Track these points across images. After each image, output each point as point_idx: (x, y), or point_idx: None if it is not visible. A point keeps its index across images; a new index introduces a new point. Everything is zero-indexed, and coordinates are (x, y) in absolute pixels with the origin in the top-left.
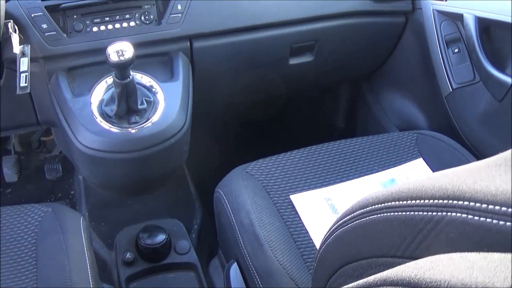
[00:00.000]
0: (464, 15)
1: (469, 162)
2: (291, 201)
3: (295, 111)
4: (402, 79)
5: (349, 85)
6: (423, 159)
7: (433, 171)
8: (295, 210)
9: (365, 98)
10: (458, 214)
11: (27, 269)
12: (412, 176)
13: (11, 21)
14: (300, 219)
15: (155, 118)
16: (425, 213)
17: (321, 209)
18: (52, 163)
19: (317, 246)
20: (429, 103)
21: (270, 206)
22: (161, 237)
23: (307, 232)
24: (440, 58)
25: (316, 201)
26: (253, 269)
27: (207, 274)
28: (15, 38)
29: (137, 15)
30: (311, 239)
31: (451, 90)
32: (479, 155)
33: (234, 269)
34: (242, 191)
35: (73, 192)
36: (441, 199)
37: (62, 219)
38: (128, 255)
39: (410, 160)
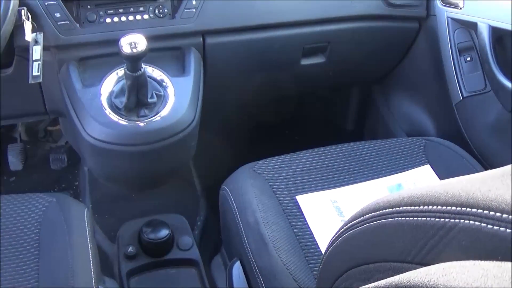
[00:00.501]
0: (478, 24)
1: (477, 171)
2: (297, 202)
3: (304, 112)
4: (412, 84)
5: (359, 88)
6: (431, 166)
7: (440, 179)
8: (301, 211)
9: (375, 101)
10: (472, 222)
11: (29, 258)
12: (419, 183)
13: (25, 8)
14: (305, 220)
15: (165, 112)
16: (437, 219)
17: (326, 211)
18: (58, 153)
19: (322, 248)
20: (439, 110)
21: (276, 205)
22: (164, 232)
23: (312, 234)
24: (452, 66)
25: (322, 202)
26: (256, 268)
27: (209, 272)
28: (27, 25)
29: (151, 8)
30: (316, 241)
31: (461, 98)
32: (487, 165)
33: (237, 268)
34: (249, 190)
35: (77, 183)
36: (455, 206)
37: (67, 210)
38: (130, 249)
39: (417, 166)
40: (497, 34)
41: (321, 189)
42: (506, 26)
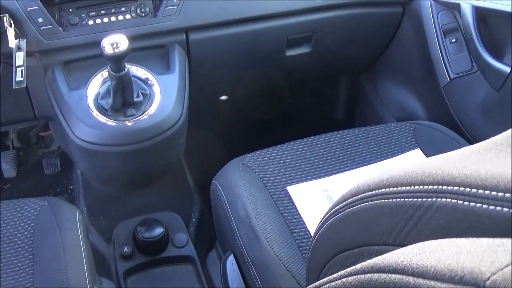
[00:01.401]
0: (462, 4)
1: None
2: (287, 193)
3: (294, 103)
4: (400, 69)
5: (347, 76)
6: (421, 150)
7: None
8: (292, 202)
9: (364, 89)
10: (448, 200)
11: (24, 263)
12: None
13: (7, 15)
14: (297, 210)
15: (151, 110)
16: (415, 199)
17: (318, 200)
18: (51, 158)
19: None
20: (427, 93)
21: (267, 197)
22: (158, 231)
23: (304, 223)
24: (437, 48)
25: (313, 192)
26: (249, 261)
27: (205, 267)
28: (10, 32)
29: (132, 7)
30: (308, 230)
31: (449, 80)
32: None
33: (231, 261)
34: (239, 183)
35: (71, 186)
36: (431, 185)
37: (58, 212)
38: (125, 248)
39: (407, 150)
40: (481, 13)
41: (311, 178)
42: (489, 5)
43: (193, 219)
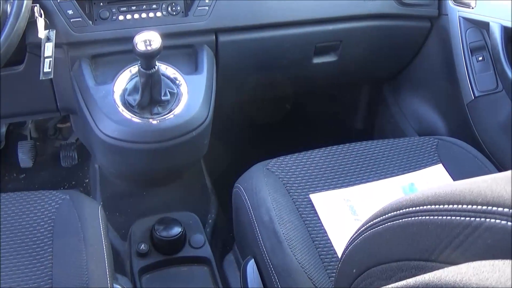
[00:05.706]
0: (490, 23)
1: (489, 170)
2: (310, 200)
3: (315, 109)
4: (424, 83)
5: (370, 86)
6: (443, 165)
7: (453, 178)
8: (314, 210)
9: (386, 100)
10: (498, 221)
11: (43, 255)
12: (431, 182)
13: (38, 5)
14: (319, 219)
15: (178, 110)
16: (463, 218)
17: (340, 210)
18: (68, 150)
19: (335, 246)
20: (450, 109)
21: (290, 204)
22: (176, 230)
23: (326, 232)
24: (463, 65)
25: (335, 201)
26: (271, 266)
27: (221, 269)
28: (40, 22)
29: (164, 5)
30: (329, 239)
31: (473, 97)
32: (498, 164)
33: (251, 266)
34: (263, 188)
35: (87, 180)
36: (480, 205)
37: (80, 207)
38: (142, 246)
39: (430, 165)
40: (509, 33)
41: (334, 187)
42: None
43: (210, 220)
